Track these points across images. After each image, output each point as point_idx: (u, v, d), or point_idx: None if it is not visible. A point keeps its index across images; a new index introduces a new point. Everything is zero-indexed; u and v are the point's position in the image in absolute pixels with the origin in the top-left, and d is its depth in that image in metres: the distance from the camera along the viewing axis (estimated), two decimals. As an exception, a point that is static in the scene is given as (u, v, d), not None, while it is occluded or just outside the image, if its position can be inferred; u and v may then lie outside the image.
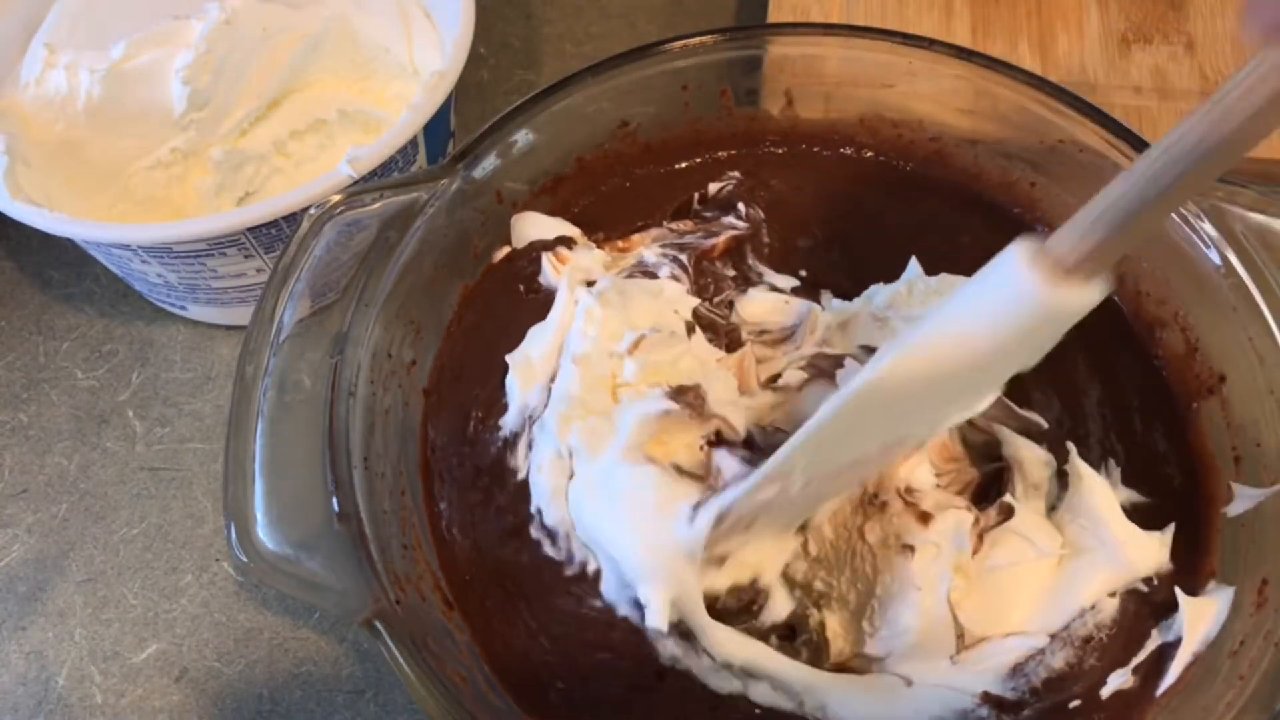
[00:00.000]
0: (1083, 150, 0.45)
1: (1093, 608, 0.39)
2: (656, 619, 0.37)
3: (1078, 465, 0.41)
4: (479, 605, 0.42)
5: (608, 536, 0.39)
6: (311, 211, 0.41)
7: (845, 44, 0.48)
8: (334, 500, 0.37)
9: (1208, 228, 0.42)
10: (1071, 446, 0.41)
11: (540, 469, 0.41)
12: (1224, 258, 0.42)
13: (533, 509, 0.41)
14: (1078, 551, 0.40)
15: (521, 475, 0.42)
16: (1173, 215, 0.42)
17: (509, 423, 0.43)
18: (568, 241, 0.46)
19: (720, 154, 0.52)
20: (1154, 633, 0.39)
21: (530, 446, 0.42)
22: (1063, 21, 0.64)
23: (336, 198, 0.41)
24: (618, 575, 0.39)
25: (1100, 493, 0.40)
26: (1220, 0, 0.65)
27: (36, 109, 0.56)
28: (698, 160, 0.51)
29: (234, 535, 0.36)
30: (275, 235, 0.53)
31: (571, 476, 0.41)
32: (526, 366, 0.44)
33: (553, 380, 0.43)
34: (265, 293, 0.40)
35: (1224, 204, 0.42)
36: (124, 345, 0.62)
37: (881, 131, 0.50)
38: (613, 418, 0.40)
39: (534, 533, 0.41)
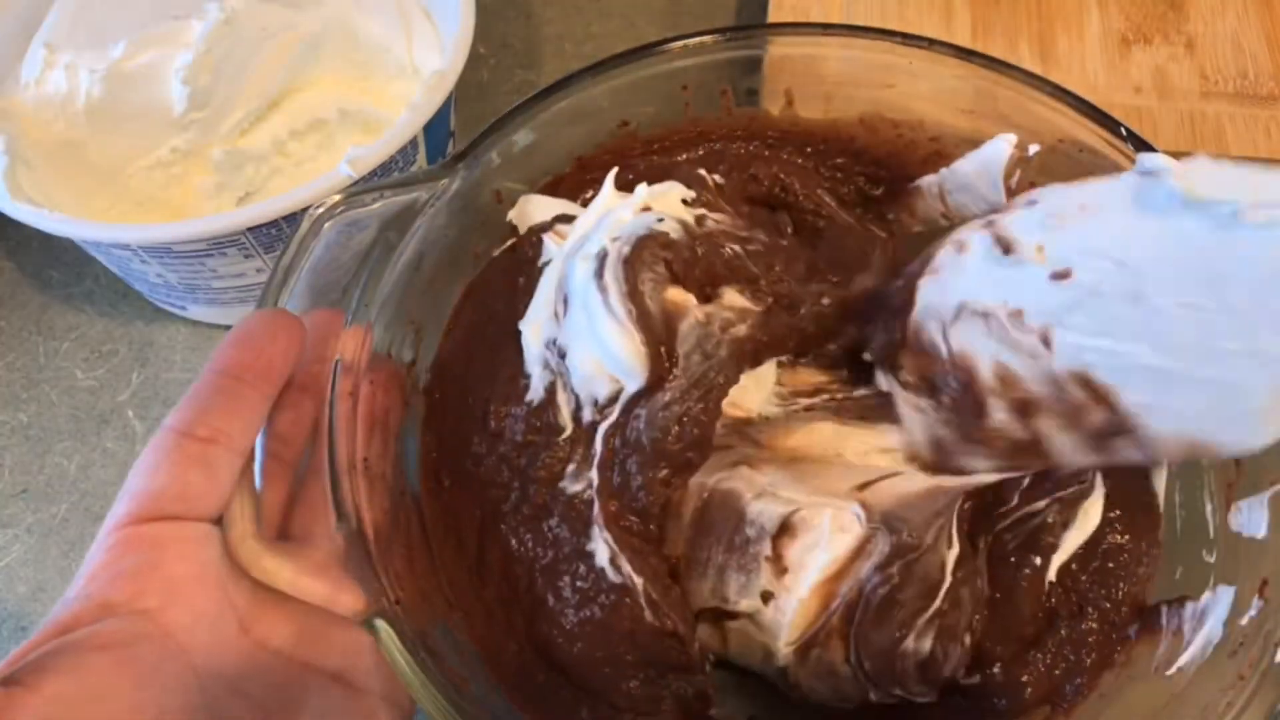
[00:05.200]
0: (1082, 150, 0.45)
1: None
2: None
3: None
4: (480, 604, 0.42)
5: None
6: (311, 211, 0.41)
7: (845, 44, 0.48)
8: (333, 500, 0.37)
9: (1208, 228, 0.42)
10: None
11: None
12: (1224, 258, 0.42)
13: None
14: None
15: (567, 433, 0.40)
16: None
17: (535, 389, 0.41)
18: (567, 219, 0.46)
19: (717, 145, 0.51)
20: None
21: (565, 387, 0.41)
22: (1063, 21, 0.64)
23: (336, 198, 0.41)
24: None
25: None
26: (1220, 0, 0.65)
27: (36, 109, 0.56)
28: (700, 153, 0.51)
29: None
30: (275, 235, 0.53)
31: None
32: (535, 322, 0.42)
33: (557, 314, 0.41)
34: (265, 293, 0.40)
35: (1224, 204, 0.42)
36: (124, 345, 0.62)
37: (882, 131, 0.50)
38: None
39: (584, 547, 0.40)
